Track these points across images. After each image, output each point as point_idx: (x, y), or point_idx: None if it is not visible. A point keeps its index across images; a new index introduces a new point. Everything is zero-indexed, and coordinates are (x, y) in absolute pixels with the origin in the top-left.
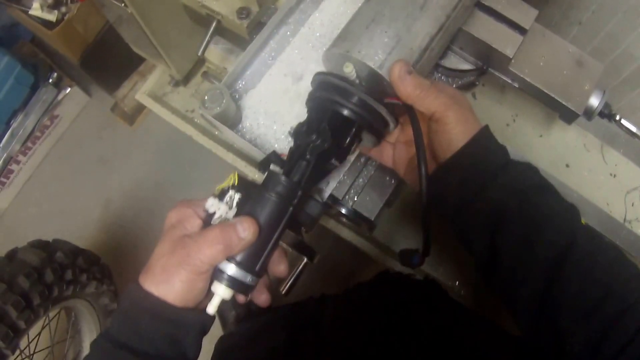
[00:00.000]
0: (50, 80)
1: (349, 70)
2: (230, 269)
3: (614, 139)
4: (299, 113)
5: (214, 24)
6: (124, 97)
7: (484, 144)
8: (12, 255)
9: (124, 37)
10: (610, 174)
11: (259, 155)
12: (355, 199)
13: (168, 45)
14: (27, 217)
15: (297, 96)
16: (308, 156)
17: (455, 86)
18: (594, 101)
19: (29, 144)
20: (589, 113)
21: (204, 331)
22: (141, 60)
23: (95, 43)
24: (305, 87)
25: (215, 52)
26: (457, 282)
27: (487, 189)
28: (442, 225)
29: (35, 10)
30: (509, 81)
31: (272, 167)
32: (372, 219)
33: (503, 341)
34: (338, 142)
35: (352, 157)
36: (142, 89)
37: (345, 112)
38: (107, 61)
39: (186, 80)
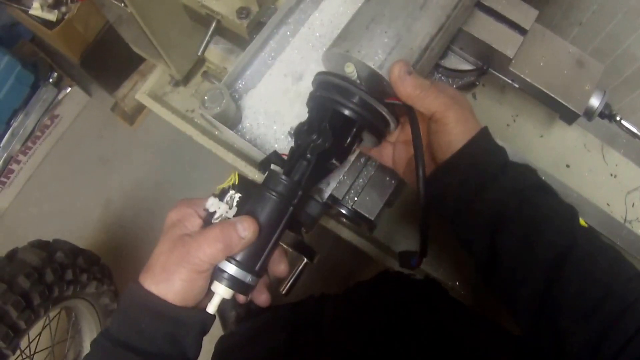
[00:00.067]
0: (51, 80)
1: (350, 70)
2: (230, 269)
3: (615, 139)
4: (299, 113)
5: (213, 24)
6: (124, 97)
7: (483, 145)
8: (12, 255)
9: (124, 37)
10: (611, 175)
11: (259, 155)
12: (356, 199)
13: (168, 45)
14: (28, 217)
15: (297, 96)
16: (309, 156)
17: (455, 86)
18: (595, 101)
19: (29, 144)
20: (589, 113)
21: (204, 330)
22: (141, 60)
23: (96, 43)
24: (305, 87)
25: (215, 52)
26: (457, 282)
27: (487, 190)
28: (442, 225)
29: (36, 9)
30: (509, 81)
31: (273, 166)
32: (372, 219)
33: (503, 341)
34: (339, 141)
35: (352, 157)
36: (142, 89)
37: (347, 112)
38: (107, 61)
39: (186, 80)
